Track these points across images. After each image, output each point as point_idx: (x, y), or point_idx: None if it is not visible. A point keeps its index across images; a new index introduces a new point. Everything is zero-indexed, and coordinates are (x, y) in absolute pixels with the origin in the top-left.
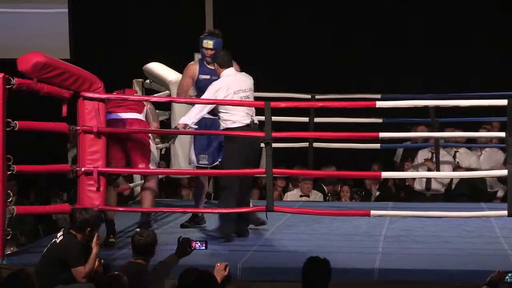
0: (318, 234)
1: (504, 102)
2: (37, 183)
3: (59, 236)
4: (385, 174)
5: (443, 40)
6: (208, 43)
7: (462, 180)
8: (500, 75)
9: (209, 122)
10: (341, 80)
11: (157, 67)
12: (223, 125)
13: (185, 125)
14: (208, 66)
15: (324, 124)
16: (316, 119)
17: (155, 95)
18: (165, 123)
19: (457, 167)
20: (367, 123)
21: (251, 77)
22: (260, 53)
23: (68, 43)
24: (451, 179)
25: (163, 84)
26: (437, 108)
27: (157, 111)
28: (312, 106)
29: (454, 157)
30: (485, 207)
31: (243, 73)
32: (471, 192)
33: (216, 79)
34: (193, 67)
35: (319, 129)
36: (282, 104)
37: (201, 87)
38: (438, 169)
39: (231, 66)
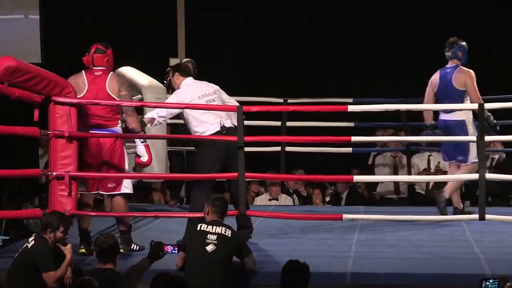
0: (291, 238)
1: (475, 106)
2: (8, 188)
3: (31, 241)
4: (357, 178)
5: (415, 43)
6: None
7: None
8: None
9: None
10: (314, 84)
11: (129, 71)
12: (196, 129)
13: (152, 119)
14: None
15: (297, 128)
16: (289, 123)
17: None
18: None
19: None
20: (340, 127)
21: (212, 84)
22: (231, 56)
23: (40, 48)
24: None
25: (136, 88)
26: (408, 112)
27: None
28: (284, 110)
29: (429, 161)
30: None
31: (204, 81)
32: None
33: None
34: None
35: (292, 133)
36: (254, 108)
37: None
38: (409, 173)
39: (191, 76)
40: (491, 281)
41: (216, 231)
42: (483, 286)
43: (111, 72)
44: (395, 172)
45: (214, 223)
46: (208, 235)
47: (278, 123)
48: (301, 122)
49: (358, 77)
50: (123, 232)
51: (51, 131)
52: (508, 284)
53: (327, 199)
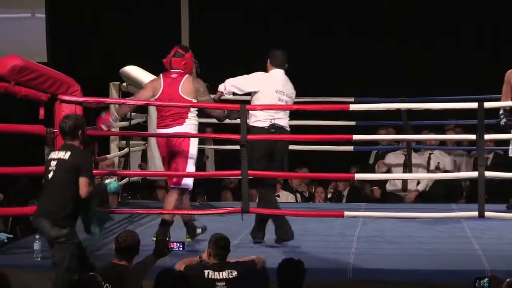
0: None
1: (474, 105)
2: (15, 185)
3: (62, 152)
4: (358, 176)
5: (417, 42)
6: None
7: (437, 181)
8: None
9: None
10: (315, 83)
11: (134, 70)
12: (248, 120)
13: (221, 93)
14: None
15: (299, 126)
16: (291, 122)
17: (131, 98)
18: (143, 126)
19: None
20: (341, 126)
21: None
22: (234, 55)
23: (46, 47)
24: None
25: (140, 87)
26: (409, 111)
27: (132, 114)
28: (287, 109)
29: (429, 159)
30: (455, 208)
31: (289, 80)
32: (446, 192)
33: None
34: None
35: (294, 132)
36: (258, 107)
37: None
38: (410, 171)
39: (281, 68)
40: (485, 280)
41: (223, 277)
42: (477, 285)
43: (187, 75)
44: (406, 170)
45: (218, 268)
46: (216, 283)
47: None
48: (303, 121)
49: (359, 77)
50: (186, 222)
51: (57, 129)
52: (508, 280)
53: (329, 195)
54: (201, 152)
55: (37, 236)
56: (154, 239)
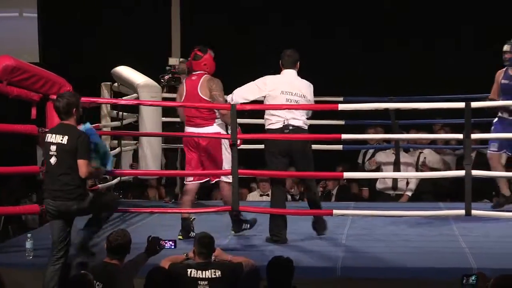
0: None
1: (461, 105)
2: (7, 185)
3: (61, 138)
4: (347, 175)
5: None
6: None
7: (426, 180)
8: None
9: None
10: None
11: (125, 71)
12: (265, 124)
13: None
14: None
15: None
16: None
17: (123, 98)
18: (134, 126)
19: (423, 166)
20: (330, 125)
21: (311, 85)
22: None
23: (38, 47)
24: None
25: (131, 87)
26: (397, 110)
27: (124, 114)
28: (276, 109)
29: (419, 157)
30: (443, 207)
31: (303, 80)
32: (435, 190)
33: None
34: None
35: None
36: (247, 107)
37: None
38: (399, 170)
39: (291, 68)
40: (473, 277)
41: (206, 276)
42: (465, 282)
43: (205, 75)
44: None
45: (202, 267)
46: (199, 281)
47: None
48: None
49: (349, 77)
50: (234, 217)
51: (48, 129)
52: (495, 278)
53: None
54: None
55: (28, 235)
56: (180, 237)
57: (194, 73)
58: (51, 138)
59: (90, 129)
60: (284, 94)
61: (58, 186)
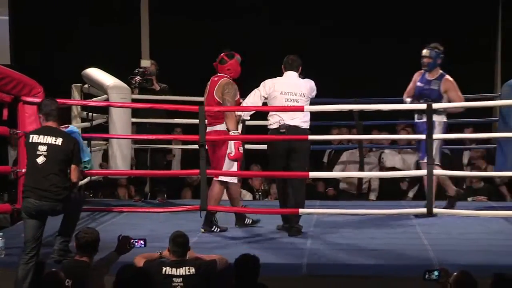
0: (247, 231)
1: (423, 106)
2: None
3: (53, 140)
4: (312, 174)
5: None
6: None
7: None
8: None
9: None
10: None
11: (95, 73)
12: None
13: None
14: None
15: (255, 126)
16: (248, 122)
17: (93, 99)
18: (104, 127)
19: (382, 167)
20: None
21: (309, 81)
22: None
23: (9, 49)
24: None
25: (101, 89)
26: (361, 111)
27: (94, 114)
28: (245, 110)
29: (380, 157)
30: (405, 205)
31: (306, 79)
32: (395, 189)
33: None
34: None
35: (250, 132)
36: (215, 108)
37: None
38: (362, 169)
39: (291, 70)
40: (435, 273)
41: (180, 273)
42: (427, 277)
43: (223, 78)
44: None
45: (176, 264)
46: (174, 279)
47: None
48: (261, 121)
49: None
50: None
51: (20, 130)
52: (456, 273)
53: None
54: (169, 151)
55: (0, 234)
56: (203, 231)
57: (218, 74)
58: (38, 139)
59: (78, 133)
60: (283, 95)
61: (46, 186)
